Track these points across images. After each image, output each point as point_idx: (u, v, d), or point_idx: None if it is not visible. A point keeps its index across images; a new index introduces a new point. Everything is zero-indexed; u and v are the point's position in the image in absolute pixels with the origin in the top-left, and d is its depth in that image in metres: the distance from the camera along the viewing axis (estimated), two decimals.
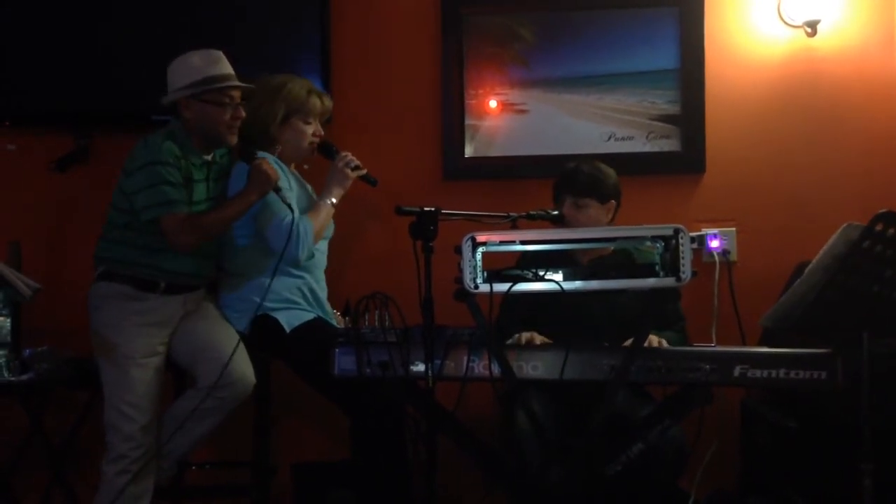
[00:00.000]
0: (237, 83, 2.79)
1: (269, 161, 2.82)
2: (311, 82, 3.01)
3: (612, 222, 2.98)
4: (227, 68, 2.80)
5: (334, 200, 2.92)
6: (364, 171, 2.96)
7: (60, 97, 3.50)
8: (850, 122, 3.43)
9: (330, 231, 2.99)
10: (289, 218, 2.75)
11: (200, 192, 2.80)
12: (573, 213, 2.91)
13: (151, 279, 2.76)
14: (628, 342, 2.54)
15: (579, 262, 2.88)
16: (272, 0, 3.48)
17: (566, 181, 2.96)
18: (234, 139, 2.82)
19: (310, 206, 2.91)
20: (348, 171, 2.92)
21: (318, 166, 3.09)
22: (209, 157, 2.85)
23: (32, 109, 3.52)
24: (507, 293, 2.29)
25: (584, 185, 2.92)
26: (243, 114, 2.81)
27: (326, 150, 2.99)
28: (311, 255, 2.88)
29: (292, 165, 3.02)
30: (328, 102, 3.02)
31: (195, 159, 2.79)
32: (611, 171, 2.99)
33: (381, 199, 3.39)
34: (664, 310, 2.73)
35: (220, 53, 2.81)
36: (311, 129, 2.97)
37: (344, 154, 2.95)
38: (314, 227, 2.83)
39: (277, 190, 2.75)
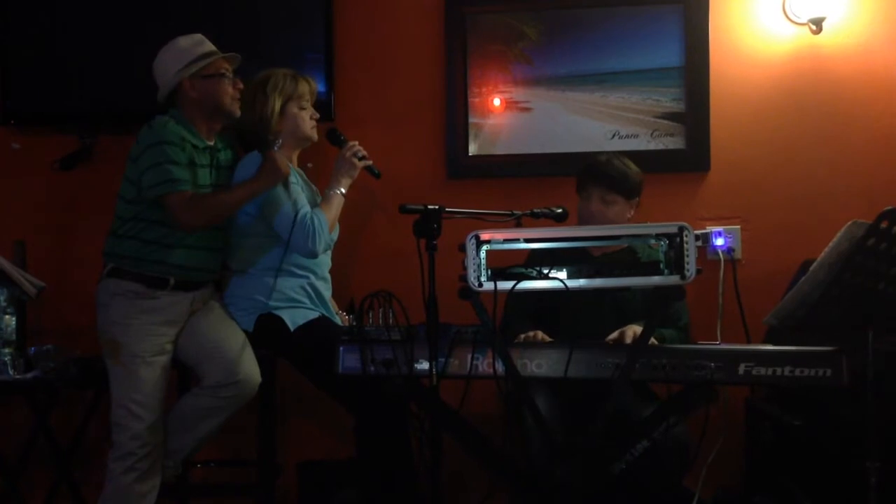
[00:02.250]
0: (228, 54, 2.87)
1: (281, 156, 2.85)
2: (292, 69, 3.03)
3: (632, 219, 2.97)
4: (212, 46, 2.87)
5: (343, 190, 2.94)
6: (370, 162, 2.98)
7: (65, 97, 3.51)
8: (855, 119, 3.42)
9: (335, 232, 3.00)
10: (303, 210, 2.77)
11: (204, 177, 2.81)
12: (601, 209, 2.90)
13: (161, 276, 2.77)
14: (611, 336, 2.58)
15: (591, 256, 2.88)
16: (276, 0, 3.49)
17: (596, 174, 2.92)
18: (238, 111, 2.86)
19: (316, 204, 2.92)
20: (355, 160, 2.95)
21: (320, 167, 3.09)
22: (211, 143, 2.86)
23: (37, 109, 3.53)
24: (513, 290, 2.28)
25: (613, 181, 2.90)
26: (241, 84, 2.87)
27: (334, 138, 3.02)
28: (329, 247, 2.90)
29: (294, 160, 3.02)
30: (314, 84, 3.05)
31: (198, 143, 2.81)
32: (637, 169, 2.98)
33: (385, 197, 3.40)
34: (667, 308, 2.72)
35: (201, 35, 2.87)
36: (308, 113, 2.99)
37: (352, 143, 2.97)
38: (328, 218, 2.85)
39: (287, 184, 2.76)
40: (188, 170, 2.72)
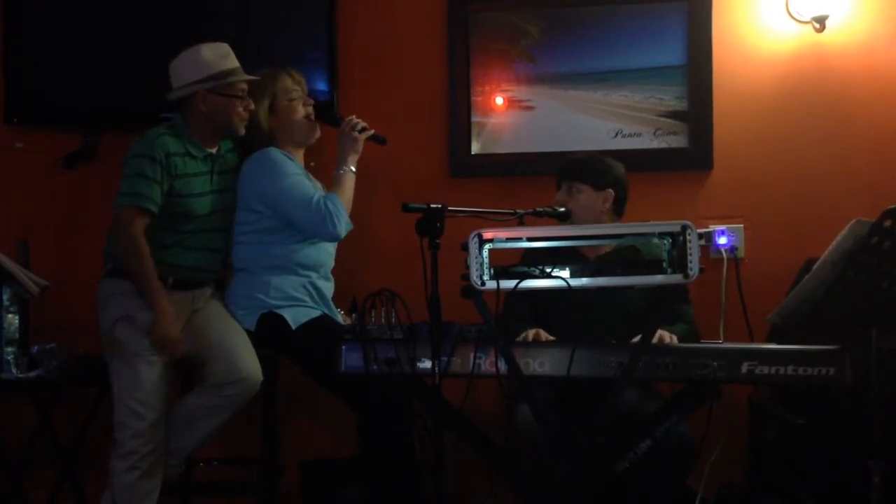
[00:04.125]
0: (249, 76, 2.86)
1: (277, 154, 2.85)
2: (273, 67, 3.02)
3: (616, 216, 2.98)
4: (236, 62, 2.86)
5: (352, 168, 2.93)
6: (371, 132, 2.97)
7: (67, 95, 3.51)
8: (858, 117, 3.42)
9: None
10: (315, 196, 2.79)
11: (202, 185, 2.82)
12: (567, 199, 2.93)
13: (159, 275, 2.77)
14: (636, 339, 2.54)
15: (585, 257, 2.88)
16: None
17: (562, 167, 3.01)
18: (243, 130, 2.87)
19: None
20: (356, 134, 2.94)
21: (323, 167, 3.10)
22: (213, 150, 2.86)
23: (40, 107, 3.53)
24: (513, 291, 2.28)
25: (577, 171, 2.96)
26: (253, 106, 2.87)
27: (330, 117, 3.02)
28: (350, 227, 2.91)
29: (300, 157, 3.02)
30: (298, 75, 3.04)
31: (197, 152, 2.81)
32: (615, 164, 3.00)
33: (387, 196, 3.41)
34: (671, 305, 2.72)
35: (227, 46, 2.86)
36: (300, 103, 2.99)
37: (349, 119, 2.96)
38: (342, 198, 2.86)
39: (290, 176, 2.76)
40: (159, 187, 2.71)
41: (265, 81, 2.96)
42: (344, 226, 2.85)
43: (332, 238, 2.86)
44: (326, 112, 3.04)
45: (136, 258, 2.70)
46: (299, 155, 3.02)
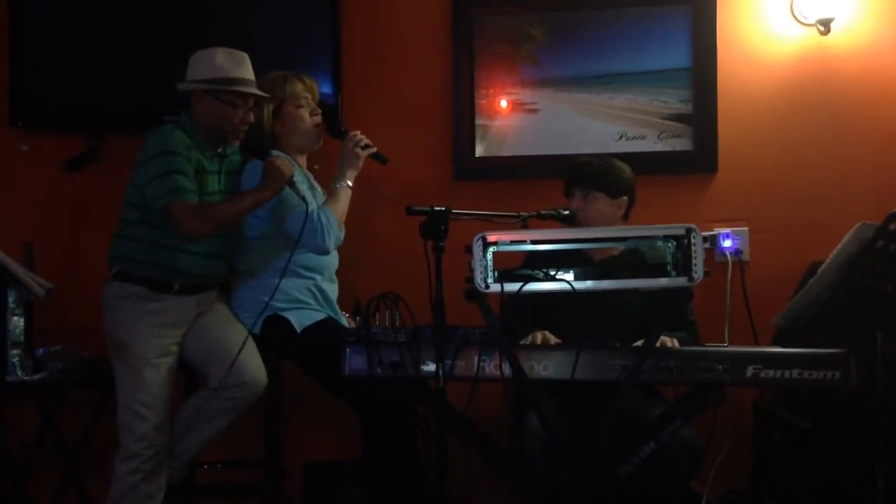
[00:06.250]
0: (254, 91, 2.81)
1: (283, 158, 2.84)
2: (285, 70, 3.01)
3: (626, 220, 2.97)
4: (249, 73, 2.82)
5: (349, 183, 2.92)
6: (374, 149, 2.96)
7: (72, 98, 3.52)
8: (863, 120, 3.41)
9: (341, 232, 2.99)
10: (310, 207, 2.77)
11: (213, 184, 2.81)
12: (581, 206, 2.90)
13: (165, 280, 2.77)
14: (639, 342, 2.53)
15: (590, 259, 2.87)
16: (284, 2, 3.49)
17: (576, 173, 2.96)
18: (237, 142, 2.85)
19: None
20: (358, 150, 2.92)
21: (325, 169, 3.10)
22: (220, 150, 2.86)
23: (44, 111, 3.54)
24: (516, 294, 2.28)
25: (593, 178, 2.92)
26: (252, 118, 2.83)
27: (335, 130, 3.01)
28: (340, 242, 2.90)
29: (303, 162, 3.02)
30: (310, 81, 3.02)
31: (207, 150, 2.81)
32: (625, 167, 2.97)
33: (391, 198, 3.40)
34: (675, 310, 2.71)
35: (246, 56, 2.83)
36: (307, 111, 2.98)
37: (353, 134, 2.95)
38: (335, 213, 2.85)
39: (292, 184, 2.76)
40: (194, 179, 2.71)
41: (275, 84, 2.95)
42: (334, 240, 2.83)
43: (320, 251, 2.84)
44: (332, 123, 3.03)
45: (222, 213, 2.71)
46: (302, 160, 3.02)
